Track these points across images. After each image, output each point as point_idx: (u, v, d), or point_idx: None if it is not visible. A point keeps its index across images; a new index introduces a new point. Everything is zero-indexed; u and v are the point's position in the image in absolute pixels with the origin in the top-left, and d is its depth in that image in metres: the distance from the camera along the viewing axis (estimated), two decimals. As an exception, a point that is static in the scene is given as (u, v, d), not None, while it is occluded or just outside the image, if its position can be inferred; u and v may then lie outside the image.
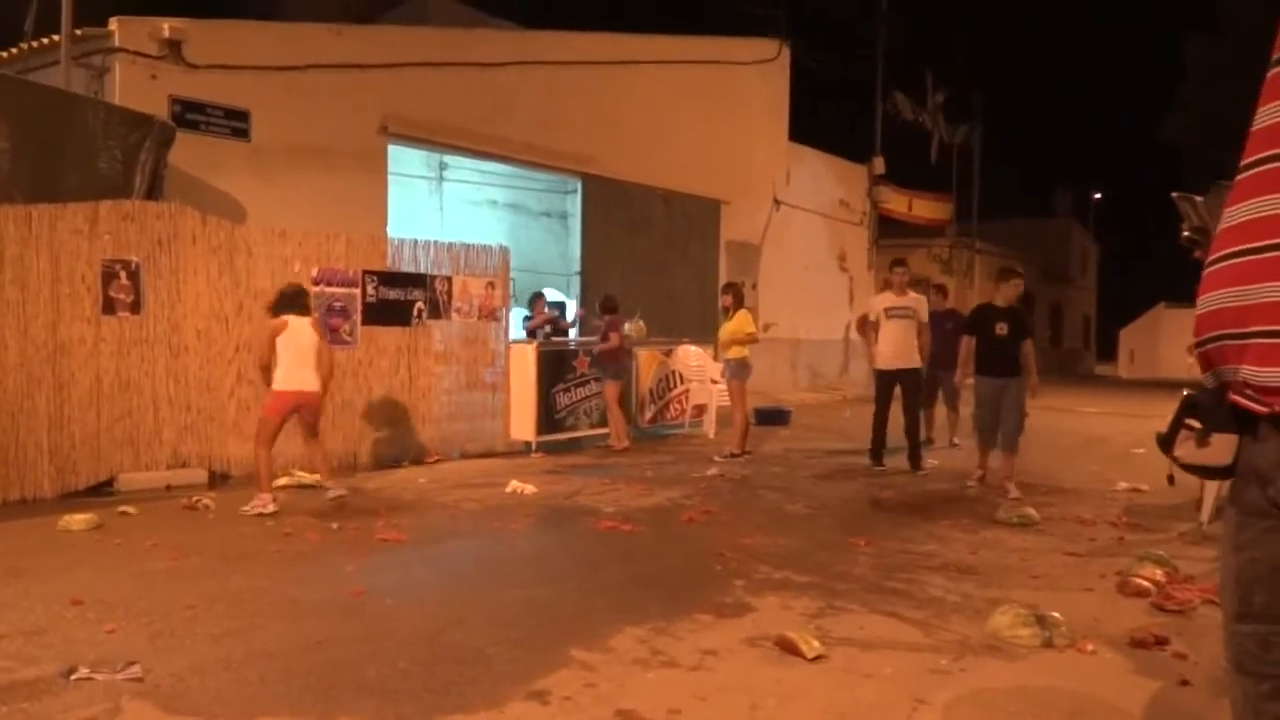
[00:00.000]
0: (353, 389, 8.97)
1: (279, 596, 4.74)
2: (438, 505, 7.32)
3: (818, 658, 3.95)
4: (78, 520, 6.16)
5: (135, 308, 7.71)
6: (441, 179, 15.48)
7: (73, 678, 3.56)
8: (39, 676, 3.59)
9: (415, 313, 9.51)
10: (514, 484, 7.93)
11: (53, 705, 3.35)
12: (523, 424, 10.33)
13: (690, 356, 11.83)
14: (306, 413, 7.02)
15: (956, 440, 11.04)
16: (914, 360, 9.21)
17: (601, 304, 10.81)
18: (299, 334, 6.93)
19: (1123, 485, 8.51)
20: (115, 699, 3.40)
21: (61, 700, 3.39)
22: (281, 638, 4.11)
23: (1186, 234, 1.94)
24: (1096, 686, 3.77)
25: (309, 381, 6.93)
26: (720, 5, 18.19)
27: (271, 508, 6.74)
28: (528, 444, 10.29)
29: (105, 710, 3.30)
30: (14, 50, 9.89)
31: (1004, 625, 4.32)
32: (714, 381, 10.91)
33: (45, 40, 9.54)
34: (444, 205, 15.53)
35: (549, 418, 10.48)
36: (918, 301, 9.38)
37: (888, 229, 24.18)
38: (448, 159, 14.80)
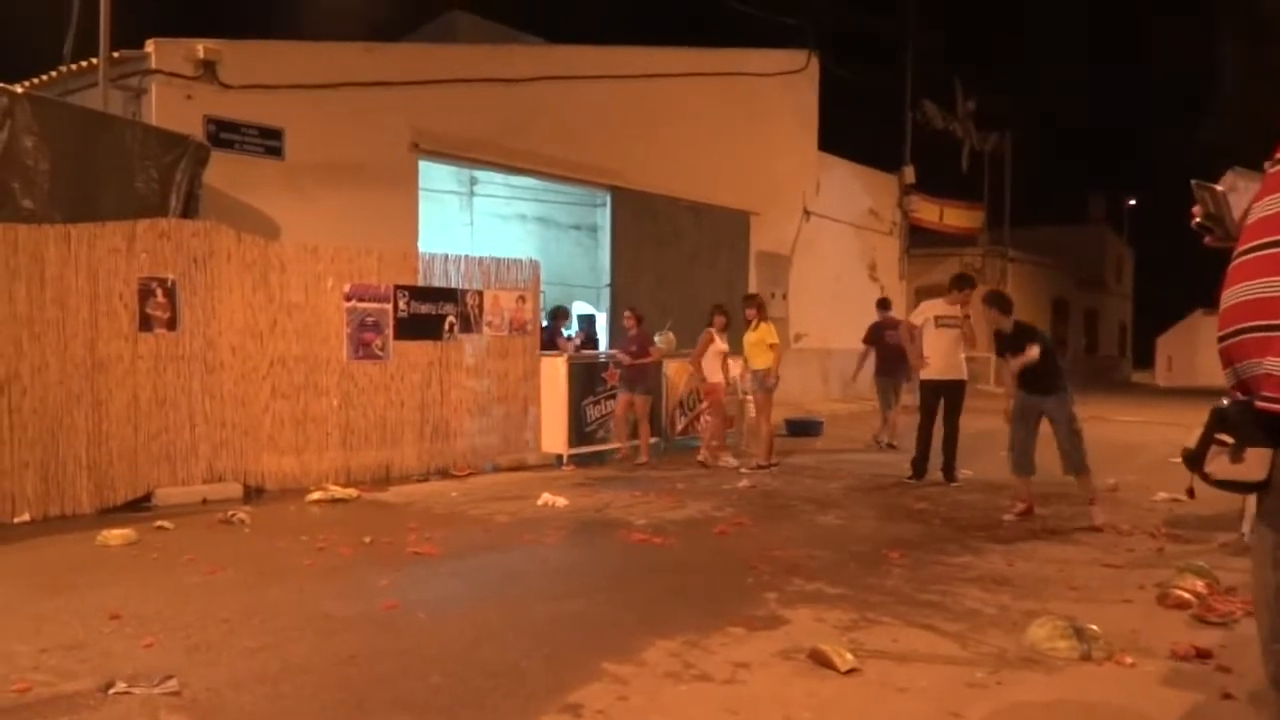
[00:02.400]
0: (385, 403, 9.04)
1: (313, 610, 4.77)
2: (469, 518, 7.35)
3: (851, 671, 3.91)
4: (115, 535, 6.25)
5: (171, 324, 7.82)
6: (472, 194, 15.61)
7: (111, 692, 3.60)
8: (78, 691, 3.63)
9: (447, 327, 9.57)
10: (545, 497, 7.95)
11: (90, 718, 3.39)
12: (554, 437, 10.36)
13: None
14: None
15: (894, 443, 11.91)
16: (960, 372, 9.11)
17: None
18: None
19: (1162, 495, 8.37)
20: (152, 713, 3.43)
21: (100, 714, 3.43)
22: (315, 652, 4.14)
23: (1198, 220, 1.91)
24: (1136, 700, 3.71)
25: (710, 374, 10.33)
26: (748, 17, 18.20)
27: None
28: (559, 457, 10.31)
29: (143, 724, 3.34)
30: (53, 73, 10.11)
31: (1042, 637, 4.25)
32: (745, 394, 10.87)
33: (83, 63, 9.74)
34: (474, 220, 15.66)
35: (580, 430, 10.49)
36: (963, 311, 9.18)
37: (919, 238, 24.05)
38: (477, 174, 14.92)
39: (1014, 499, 7.60)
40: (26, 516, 6.97)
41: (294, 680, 3.78)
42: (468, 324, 9.77)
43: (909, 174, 22.50)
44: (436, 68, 12.13)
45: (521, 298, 10.34)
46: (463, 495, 8.36)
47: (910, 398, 11.21)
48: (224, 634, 4.37)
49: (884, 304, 13.46)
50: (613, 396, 10.68)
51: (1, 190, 7.26)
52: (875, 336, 12.70)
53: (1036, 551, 6.32)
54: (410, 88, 11.68)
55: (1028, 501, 7.46)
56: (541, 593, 5.23)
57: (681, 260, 15.60)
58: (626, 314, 10.76)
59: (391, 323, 9.13)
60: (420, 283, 9.43)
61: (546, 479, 9.25)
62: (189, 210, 8.49)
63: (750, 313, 10.33)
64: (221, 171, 9.33)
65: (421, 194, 12.10)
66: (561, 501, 7.86)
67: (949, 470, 9.11)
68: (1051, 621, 4.35)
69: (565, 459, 10.26)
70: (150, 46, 9.60)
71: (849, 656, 3.99)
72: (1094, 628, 4.30)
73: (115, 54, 9.40)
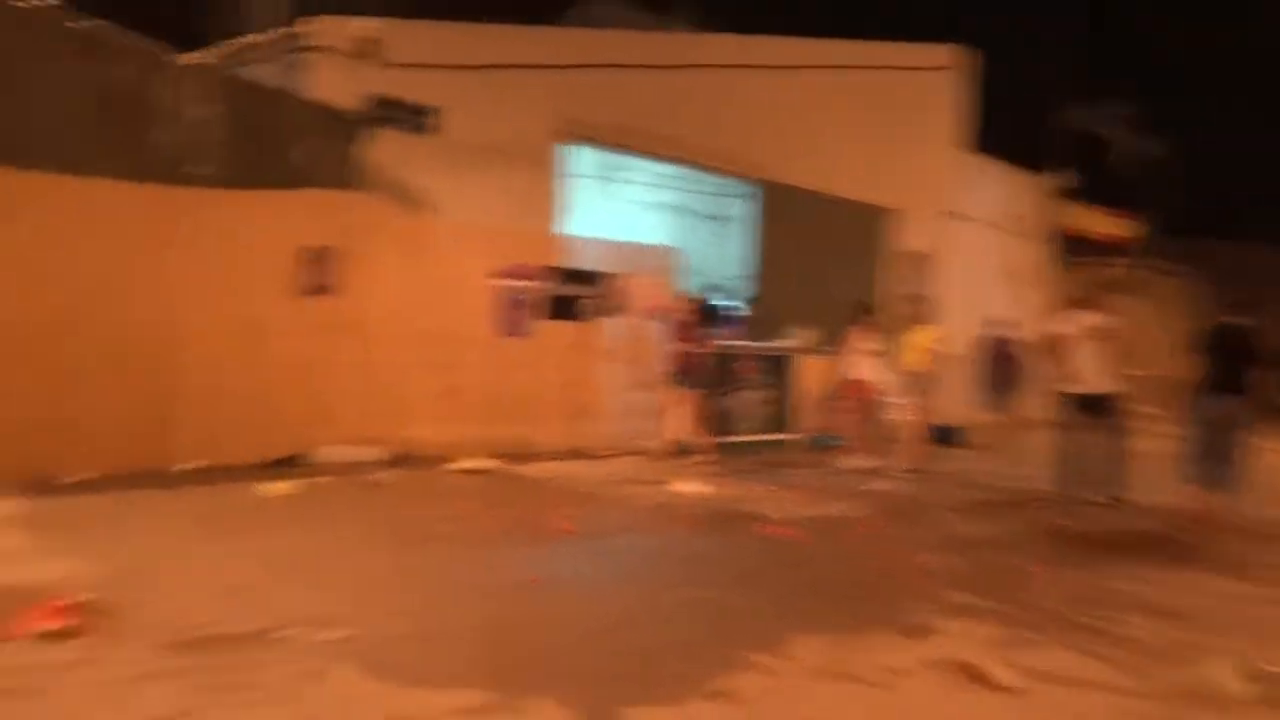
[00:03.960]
0: (527, 380, 9.14)
1: (460, 578, 4.86)
2: (605, 500, 7.38)
3: (1010, 690, 3.73)
4: (273, 489, 6.52)
5: (328, 292, 8.10)
6: (613, 179, 15.67)
7: (277, 635, 3.72)
8: (244, 632, 3.77)
9: (587, 309, 9.65)
10: (678, 484, 7.93)
11: (261, 659, 3.52)
12: (689, 425, 10.29)
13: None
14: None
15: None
16: (1114, 384, 8.64)
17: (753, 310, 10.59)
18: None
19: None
20: (318, 659, 3.54)
21: (268, 656, 3.56)
22: (466, 617, 4.21)
23: None
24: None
25: (853, 372, 9.99)
26: (897, 9, 17.75)
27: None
28: (694, 445, 10.23)
29: (309, 669, 3.44)
30: (222, 47, 10.55)
31: (1215, 675, 3.98)
32: (890, 396, 10.57)
33: (253, 37, 10.14)
34: (614, 205, 15.72)
35: (715, 420, 10.39)
36: (1116, 323, 8.80)
37: (1069, 245, 23.01)
38: (619, 159, 14.97)
39: (1196, 515, 7.27)
40: (189, 465, 7.33)
41: (450, 642, 3.86)
42: (607, 308, 9.83)
43: (1059, 177, 21.56)
44: (585, 52, 12.19)
45: (660, 284, 10.33)
46: (599, 476, 8.40)
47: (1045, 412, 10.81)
48: (379, 592, 4.50)
49: (997, 318, 14.33)
50: (749, 388, 10.58)
51: (175, 157, 7.64)
52: (988, 347, 13.45)
53: (1202, 583, 5.93)
54: (559, 71, 11.77)
55: (1209, 517, 7.12)
56: (679, 579, 5.20)
57: (821, 256, 15.30)
58: (682, 297, 10.27)
59: (536, 302, 9.26)
60: (563, 265, 9.53)
61: (678, 466, 9.21)
62: (347, 183, 8.78)
63: (911, 310, 10.13)
64: (378, 147, 9.59)
65: (565, 177, 12.20)
66: (696, 489, 7.83)
67: (1106, 489, 8.63)
68: (1226, 659, 4.07)
69: (700, 448, 10.17)
70: (316, 24, 9.93)
71: (1005, 673, 3.81)
72: (1275, 670, 4.00)
73: (283, 30, 9.76)
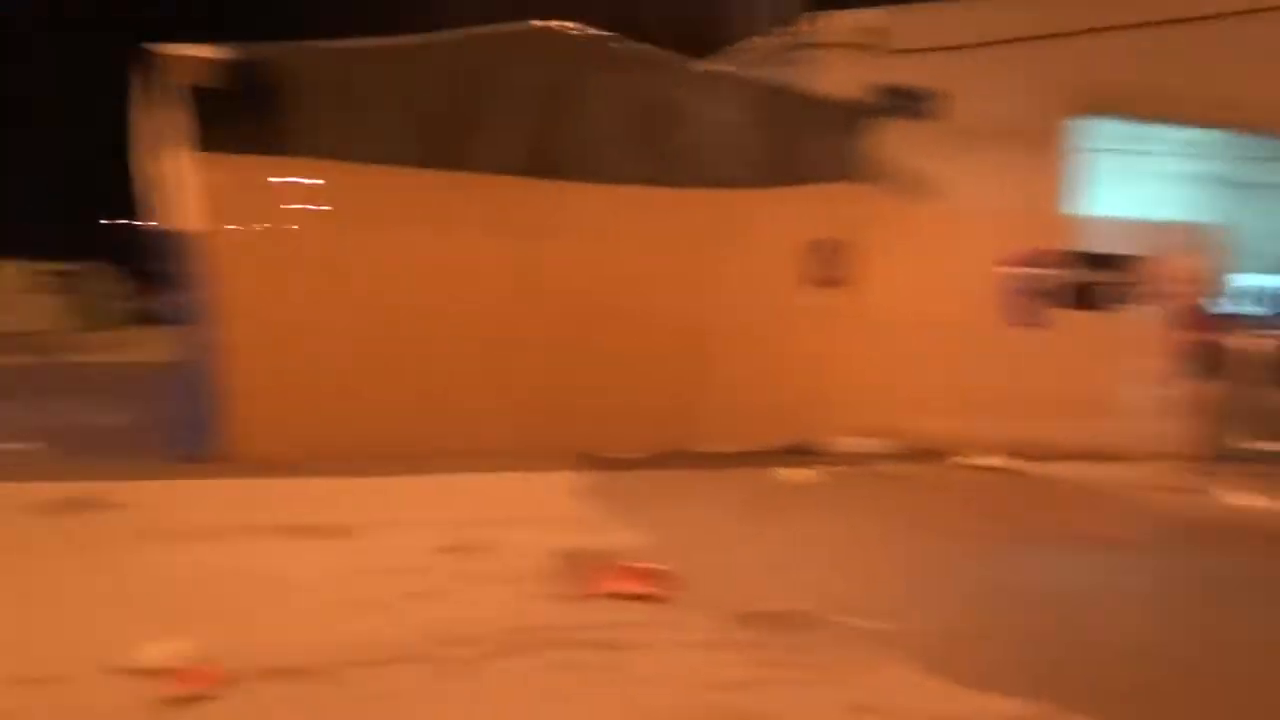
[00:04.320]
0: (1039, 375, 8.53)
1: (985, 577, 4.76)
2: (1136, 507, 6.77)
3: None
4: (792, 475, 6.84)
5: (837, 284, 8.29)
6: (1132, 151, 14.15)
7: (820, 617, 3.89)
8: (790, 610, 4.00)
9: (1107, 297, 8.83)
10: (1225, 494, 6.96)
11: (810, 640, 3.71)
12: (1233, 427, 8.96)
13: None
14: None
15: None
16: None
17: None
18: None
19: None
20: (864, 648, 3.64)
21: (816, 637, 3.74)
22: (996, 620, 4.10)
23: None
24: None
25: None
26: None
27: None
28: (1236, 450, 8.89)
29: (857, 657, 3.55)
30: (731, 51, 11.21)
31: None
32: None
33: (759, 39, 10.65)
34: (1139, 180, 14.19)
35: (1262, 422, 8.95)
36: None
37: None
38: (1138, 129, 13.47)
39: None
40: (710, 449, 7.89)
41: (984, 645, 3.78)
42: (1132, 295, 8.89)
43: None
44: (1100, 15, 11.10)
45: (1193, 267, 9.10)
46: (1125, 479, 7.66)
47: None
48: (905, 584, 4.57)
49: None
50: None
51: (698, 160, 8.23)
52: None
53: None
54: (1070, 40, 10.87)
55: None
56: (1241, 606, 4.59)
57: None
58: (1220, 281, 8.81)
59: (1050, 290, 8.66)
60: (1080, 249, 8.81)
61: (1221, 473, 8.04)
62: (854, 176, 8.86)
63: None
64: (885, 136, 9.57)
65: (1080, 153, 11.27)
66: (1251, 503, 6.80)
67: None
68: None
69: (1238, 454, 8.81)
70: (821, 20, 10.18)
71: None
72: None
73: (789, 29, 10.12)
